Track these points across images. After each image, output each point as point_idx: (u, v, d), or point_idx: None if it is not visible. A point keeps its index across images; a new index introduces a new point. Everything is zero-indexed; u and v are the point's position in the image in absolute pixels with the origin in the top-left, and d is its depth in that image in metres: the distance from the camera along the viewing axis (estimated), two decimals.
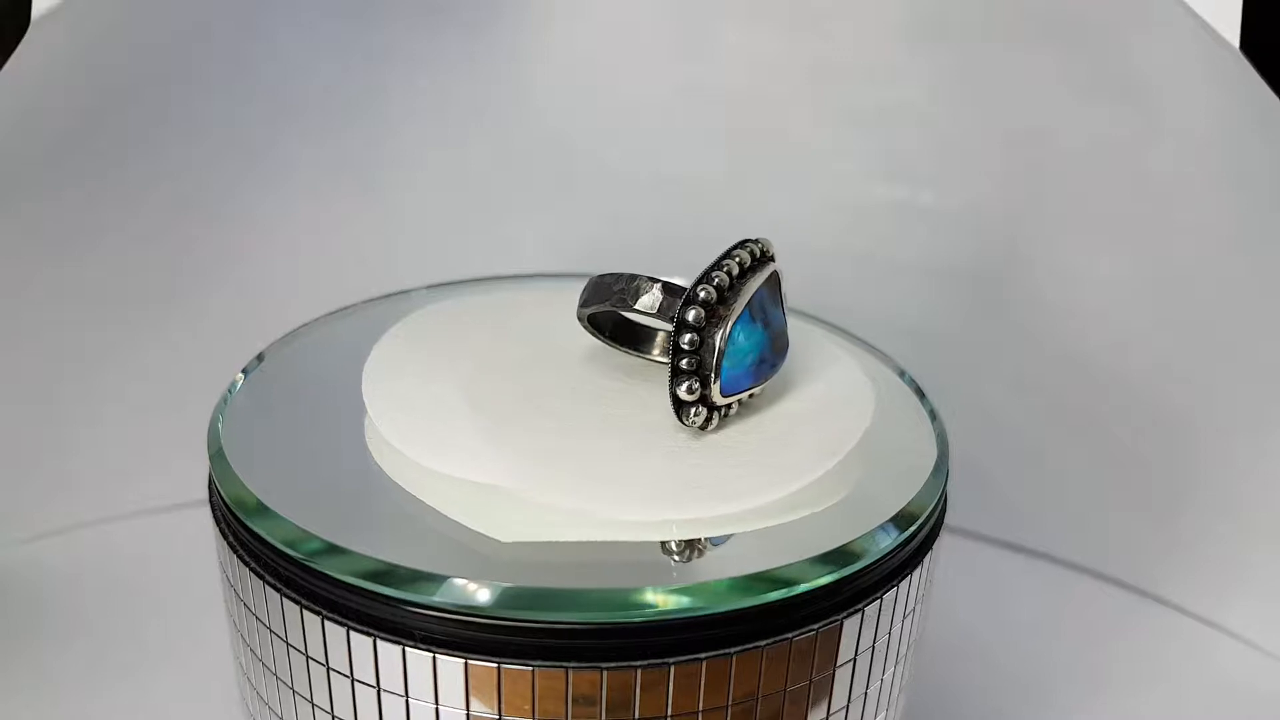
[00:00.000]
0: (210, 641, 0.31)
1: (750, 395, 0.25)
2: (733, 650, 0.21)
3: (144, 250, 0.37)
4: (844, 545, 0.22)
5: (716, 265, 0.24)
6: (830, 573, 0.21)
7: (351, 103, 0.38)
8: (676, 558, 0.22)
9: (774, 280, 0.25)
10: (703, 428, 0.24)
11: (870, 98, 0.36)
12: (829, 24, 0.36)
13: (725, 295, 0.24)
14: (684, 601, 0.21)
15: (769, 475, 0.23)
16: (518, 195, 0.39)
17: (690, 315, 0.23)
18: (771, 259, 0.25)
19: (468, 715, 0.21)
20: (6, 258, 0.35)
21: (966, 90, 0.35)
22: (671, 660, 0.20)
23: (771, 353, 0.25)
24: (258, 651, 0.24)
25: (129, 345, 0.38)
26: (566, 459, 0.23)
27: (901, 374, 0.28)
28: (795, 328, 0.26)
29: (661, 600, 0.20)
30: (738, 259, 0.24)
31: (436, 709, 0.21)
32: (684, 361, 0.23)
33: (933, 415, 0.26)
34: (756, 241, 0.25)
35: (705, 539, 0.22)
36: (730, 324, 0.23)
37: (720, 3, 0.37)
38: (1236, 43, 0.27)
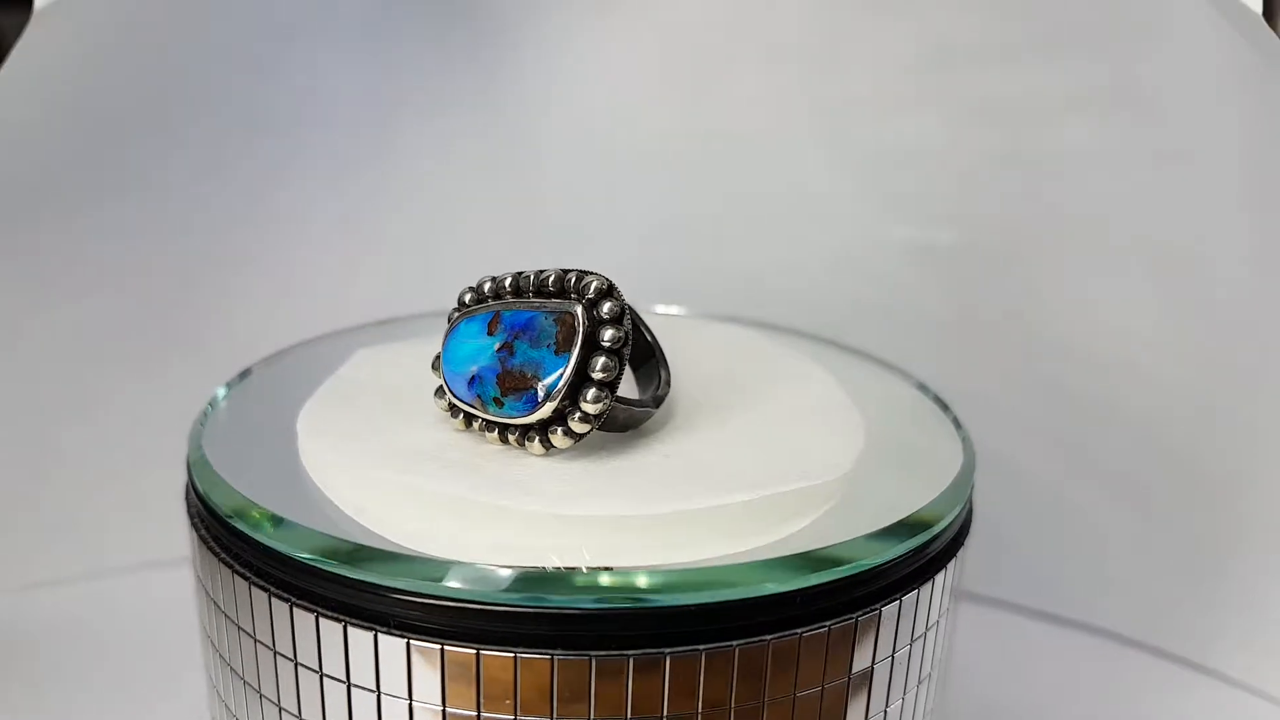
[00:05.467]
0: (189, 698, 0.30)
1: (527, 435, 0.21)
2: (735, 644, 0.19)
3: (142, 296, 0.37)
4: (859, 540, 0.20)
5: (532, 272, 0.22)
6: (843, 567, 0.20)
7: (358, 145, 0.38)
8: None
9: (564, 324, 0.21)
10: (454, 415, 0.22)
11: (882, 134, 0.35)
12: (840, 63, 0.35)
13: (497, 293, 0.22)
14: (685, 589, 0.19)
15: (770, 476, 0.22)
16: (524, 239, 0.38)
17: (468, 296, 0.23)
18: (586, 303, 0.21)
19: (443, 710, 0.19)
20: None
21: (981, 122, 0.34)
22: (668, 651, 0.19)
23: (494, 383, 0.21)
24: (226, 656, 0.22)
25: (127, 394, 0.37)
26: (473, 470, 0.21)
27: (922, 388, 0.26)
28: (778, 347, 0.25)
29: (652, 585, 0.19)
30: (549, 277, 0.21)
31: (410, 704, 0.19)
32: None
33: (957, 424, 0.25)
34: (593, 280, 0.21)
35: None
36: (459, 318, 0.22)
37: (731, 45, 0.36)
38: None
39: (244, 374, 0.27)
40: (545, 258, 0.38)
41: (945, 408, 0.25)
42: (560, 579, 0.19)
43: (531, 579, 0.19)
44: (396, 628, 0.19)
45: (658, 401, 0.23)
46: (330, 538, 0.20)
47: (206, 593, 0.22)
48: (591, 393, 0.21)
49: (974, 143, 0.34)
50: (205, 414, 0.25)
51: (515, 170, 0.38)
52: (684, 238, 0.38)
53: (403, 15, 0.37)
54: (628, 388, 0.25)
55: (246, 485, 0.22)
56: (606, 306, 0.21)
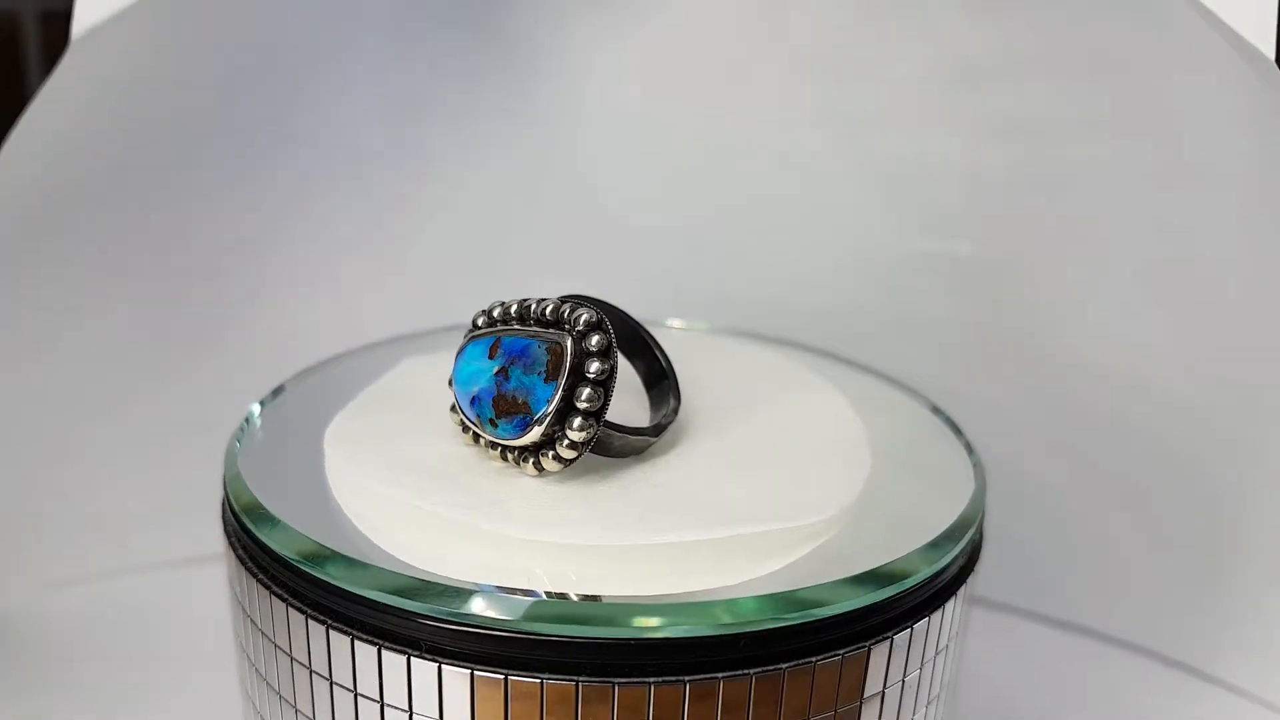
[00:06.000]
0: (218, 695, 0.30)
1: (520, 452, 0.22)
2: (752, 671, 0.20)
3: (170, 300, 0.37)
4: (873, 570, 0.21)
5: (534, 301, 0.23)
6: (859, 596, 0.20)
7: (387, 156, 0.38)
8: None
9: (554, 354, 0.22)
10: (465, 431, 0.23)
11: (897, 147, 0.36)
12: (856, 73, 0.36)
13: (504, 319, 0.23)
14: (707, 620, 0.20)
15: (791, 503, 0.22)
16: (548, 248, 0.39)
17: (480, 319, 0.23)
18: (576, 335, 0.22)
19: None
20: (31, 305, 0.35)
21: (995, 136, 0.35)
22: (687, 679, 0.19)
23: (490, 405, 0.22)
24: (262, 671, 0.23)
25: (153, 394, 0.38)
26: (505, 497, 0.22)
27: (936, 410, 0.27)
28: (795, 367, 0.25)
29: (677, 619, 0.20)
30: (547, 307, 0.22)
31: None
32: None
33: (969, 449, 0.25)
34: (583, 313, 0.22)
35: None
36: (468, 340, 0.23)
37: (752, 54, 0.37)
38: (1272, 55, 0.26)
39: (277, 391, 0.28)
40: (562, 262, 0.39)
41: (958, 431, 0.26)
42: (588, 610, 0.20)
43: (550, 608, 0.20)
44: (429, 651, 0.20)
45: (658, 430, 0.24)
46: (314, 543, 0.21)
47: (243, 608, 0.23)
48: (577, 421, 0.22)
49: (987, 156, 0.35)
50: (242, 429, 0.26)
51: (534, 181, 0.39)
52: (696, 244, 0.39)
53: (427, 26, 0.37)
54: (640, 408, 0.26)
55: (273, 495, 0.23)
56: (594, 339, 0.22)
